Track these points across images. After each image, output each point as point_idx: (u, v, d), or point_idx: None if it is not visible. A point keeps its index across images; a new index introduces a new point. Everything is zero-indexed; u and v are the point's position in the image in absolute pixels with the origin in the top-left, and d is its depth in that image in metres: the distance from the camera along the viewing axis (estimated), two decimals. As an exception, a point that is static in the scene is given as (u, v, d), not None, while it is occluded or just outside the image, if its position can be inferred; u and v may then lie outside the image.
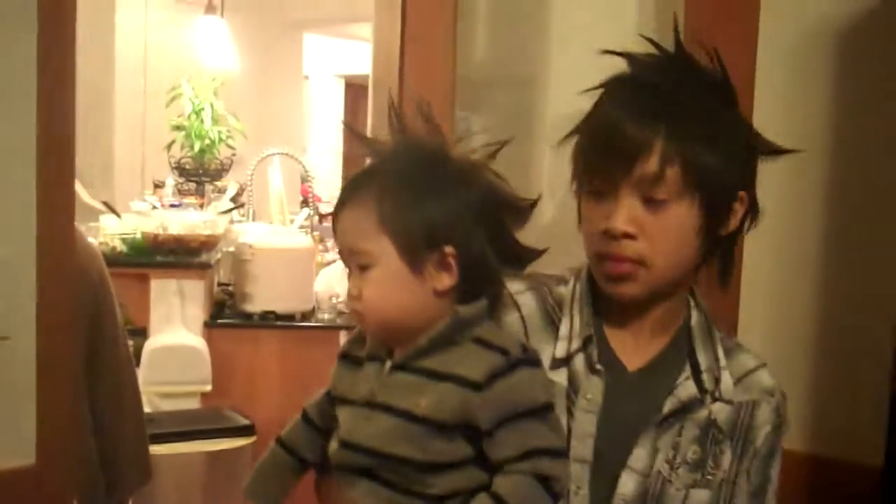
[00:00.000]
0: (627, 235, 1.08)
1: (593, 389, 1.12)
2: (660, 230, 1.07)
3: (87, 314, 1.67)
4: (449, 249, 1.00)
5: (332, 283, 3.63)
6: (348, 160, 9.21)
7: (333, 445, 1.06)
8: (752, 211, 1.15)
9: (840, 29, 1.64)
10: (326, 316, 3.53)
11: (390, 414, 1.00)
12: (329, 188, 8.17)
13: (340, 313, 3.56)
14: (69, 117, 1.40)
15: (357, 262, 1.02)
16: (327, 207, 6.21)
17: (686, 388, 1.13)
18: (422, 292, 1.01)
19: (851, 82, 1.64)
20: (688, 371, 1.15)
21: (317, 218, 4.24)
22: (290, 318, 3.48)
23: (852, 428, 1.62)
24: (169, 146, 5.96)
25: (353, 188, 1.04)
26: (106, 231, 3.61)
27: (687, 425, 1.13)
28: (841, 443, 1.64)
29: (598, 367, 1.13)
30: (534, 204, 1.06)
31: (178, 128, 5.91)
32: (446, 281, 1.01)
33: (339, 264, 3.75)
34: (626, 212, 1.07)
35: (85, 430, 1.67)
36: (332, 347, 3.40)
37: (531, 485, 0.97)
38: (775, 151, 1.18)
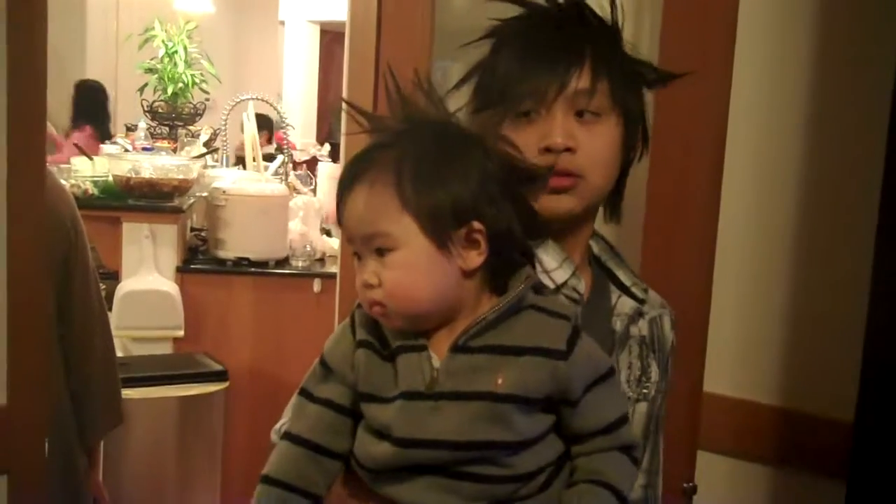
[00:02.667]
0: (568, 149, 1.09)
1: None
2: (594, 143, 1.10)
3: (59, 256, 1.66)
4: (477, 225, 0.94)
5: (306, 230, 3.62)
6: (323, 113, 9.17)
7: (382, 447, 0.95)
8: (645, 140, 1.19)
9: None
10: (300, 263, 3.53)
11: (465, 400, 0.93)
12: (303, 135, 8.12)
13: (315, 261, 3.56)
14: (40, 57, 1.38)
15: (375, 246, 0.94)
16: (302, 155, 6.18)
17: (623, 303, 1.19)
18: (450, 273, 0.94)
19: (833, 37, 1.64)
20: (616, 290, 1.20)
21: (291, 165, 4.21)
22: (264, 264, 3.48)
23: (825, 383, 1.65)
24: (141, 89, 5.90)
25: (362, 167, 0.95)
26: (78, 173, 3.59)
27: (632, 343, 1.18)
28: (814, 398, 1.66)
29: (580, 298, 1.14)
30: (550, 171, 1.04)
31: (150, 70, 5.85)
32: (475, 259, 0.95)
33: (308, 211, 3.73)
34: (563, 125, 1.10)
35: (56, 372, 1.67)
36: (306, 294, 3.42)
37: (622, 461, 0.97)
38: (672, 77, 1.21)
